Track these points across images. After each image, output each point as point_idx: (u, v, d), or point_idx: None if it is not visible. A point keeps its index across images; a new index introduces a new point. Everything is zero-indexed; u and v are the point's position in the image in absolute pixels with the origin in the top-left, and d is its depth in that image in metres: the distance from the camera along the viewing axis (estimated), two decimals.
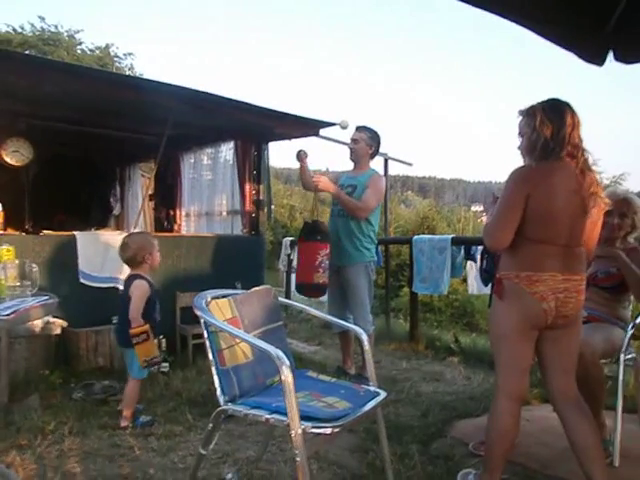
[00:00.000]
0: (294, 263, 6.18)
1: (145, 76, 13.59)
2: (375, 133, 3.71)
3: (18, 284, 1.91)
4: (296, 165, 3.73)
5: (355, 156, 3.71)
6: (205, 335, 1.80)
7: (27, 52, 12.30)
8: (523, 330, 1.91)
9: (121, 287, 3.89)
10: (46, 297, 1.89)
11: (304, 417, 1.53)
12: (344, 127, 4.04)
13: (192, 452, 2.36)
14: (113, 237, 4.05)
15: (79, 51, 16.98)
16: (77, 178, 6.71)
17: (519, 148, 2.01)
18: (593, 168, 1.93)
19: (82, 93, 3.66)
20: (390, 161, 6.40)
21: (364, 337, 2.03)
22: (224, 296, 1.97)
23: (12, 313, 1.63)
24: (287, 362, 1.54)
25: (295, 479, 1.60)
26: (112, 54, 17.72)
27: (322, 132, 4.73)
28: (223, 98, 3.94)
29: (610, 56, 2.43)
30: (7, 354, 2.95)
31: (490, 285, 4.19)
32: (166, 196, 6.12)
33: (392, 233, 10.08)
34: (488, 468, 1.96)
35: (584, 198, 1.86)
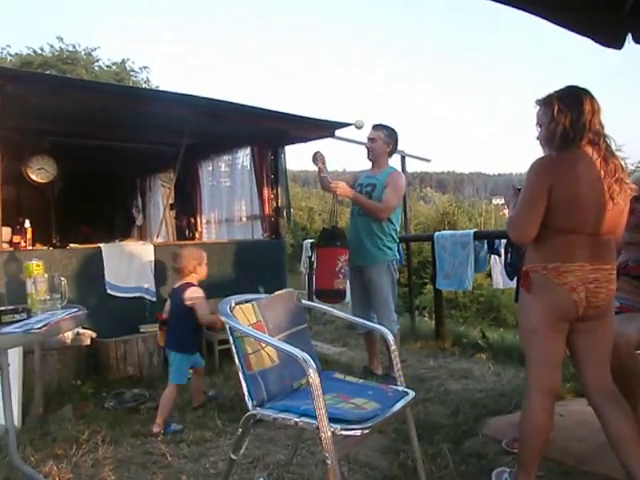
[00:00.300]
0: (315, 265, 6.19)
1: (160, 88, 13.80)
2: (392, 130, 3.70)
3: (48, 297, 1.94)
4: (313, 167, 3.73)
5: (373, 155, 3.69)
6: (231, 341, 1.81)
7: (47, 72, 12.58)
8: (553, 323, 1.87)
9: (147, 296, 3.98)
10: (75, 309, 1.92)
11: (333, 419, 1.53)
12: (359, 127, 4.03)
13: (223, 457, 2.38)
14: (137, 247, 4.12)
15: (96, 68, 17.31)
16: (100, 191, 6.85)
17: (538, 138, 1.98)
18: (617, 154, 1.89)
19: (101, 108, 3.74)
20: (408, 158, 6.36)
21: (389, 337, 2.02)
22: (248, 301, 1.98)
23: (44, 326, 1.66)
24: (314, 365, 1.54)
25: None
26: (128, 69, 18.02)
27: (337, 133, 4.74)
28: (237, 105, 3.98)
29: (629, 38, 2.38)
30: (41, 366, 3.03)
31: (516, 279, 4.14)
32: (186, 204, 6.20)
33: (413, 230, 10.00)
34: (523, 465, 1.92)
35: (609, 185, 1.82)
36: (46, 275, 2.00)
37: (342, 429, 1.52)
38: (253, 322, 1.93)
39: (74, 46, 16.90)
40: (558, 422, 1.96)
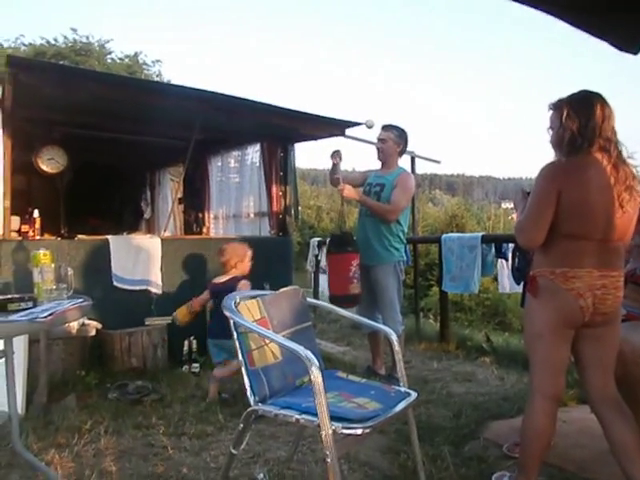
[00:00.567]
0: (322, 264, 6.18)
1: (172, 82, 13.83)
2: (402, 131, 3.69)
3: (54, 287, 1.96)
4: (322, 166, 3.75)
5: (383, 155, 3.69)
6: (234, 336, 1.81)
7: (60, 63, 12.65)
8: (559, 328, 1.86)
9: (153, 289, 3.99)
10: (81, 299, 1.93)
11: (334, 418, 1.53)
12: (370, 127, 4.02)
13: (224, 452, 2.39)
14: (144, 240, 4.13)
15: (109, 60, 17.40)
16: (109, 184, 6.91)
17: (550, 142, 1.97)
18: (628, 161, 1.87)
19: (113, 100, 3.75)
20: (417, 159, 6.35)
21: (394, 337, 2.01)
22: (252, 297, 1.99)
23: (49, 315, 1.67)
24: (316, 362, 1.54)
25: (326, 479, 1.59)
26: (140, 62, 18.09)
27: (348, 132, 4.73)
28: (248, 101, 3.98)
29: None
30: (46, 355, 3.05)
31: (522, 284, 4.12)
32: (195, 199, 6.22)
33: (420, 232, 9.98)
34: (523, 470, 1.91)
35: (619, 193, 1.80)
36: (53, 265, 2.02)
37: (343, 427, 1.52)
38: (257, 318, 1.93)
39: (87, 38, 17.00)
40: (560, 428, 1.95)
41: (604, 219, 1.80)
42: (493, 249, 4.48)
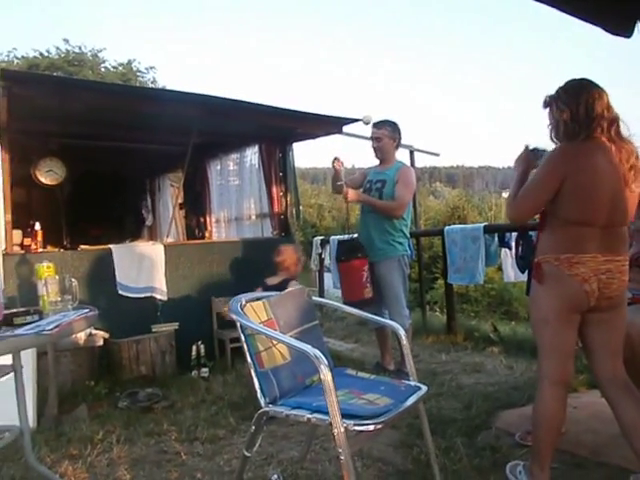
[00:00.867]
0: (326, 262, 6.18)
1: (167, 88, 13.83)
2: (394, 124, 3.68)
3: (59, 299, 1.96)
4: (322, 164, 3.75)
5: (381, 154, 3.68)
6: (242, 338, 1.81)
7: (54, 74, 12.66)
8: (565, 314, 1.86)
9: (158, 296, 4.00)
10: (87, 310, 1.93)
11: (346, 415, 1.52)
12: (367, 123, 4.02)
13: (237, 455, 2.39)
14: (147, 248, 4.14)
15: (103, 69, 17.43)
16: (109, 192, 6.90)
17: (550, 139, 1.97)
18: (631, 139, 1.86)
19: (108, 109, 3.76)
20: (416, 153, 6.33)
21: (401, 332, 2.01)
22: (258, 299, 1.99)
23: (56, 327, 1.67)
24: (325, 361, 1.54)
25: (340, 477, 1.59)
26: (134, 69, 18.11)
27: (345, 129, 4.72)
28: (244, 103, 3.98)
29: (639, 26, 2.35)
30: (54, 367, 3.06)
31: (527, 272, 4.10)
32: (196, 204, 6.22)
33: (423, 226, 9.98)
34: (536, 457, 1.91)
35: (624, 172, 1.80)
36: (57, 277, 2.02)
37: (355, 425, 1.52)
38: (264, 320, 1.93)
39: (80, 48, 17.05)
40: (571, 414, 1.95)
41: (609, 205, 1.80)
42: (496, 239, 4.47)
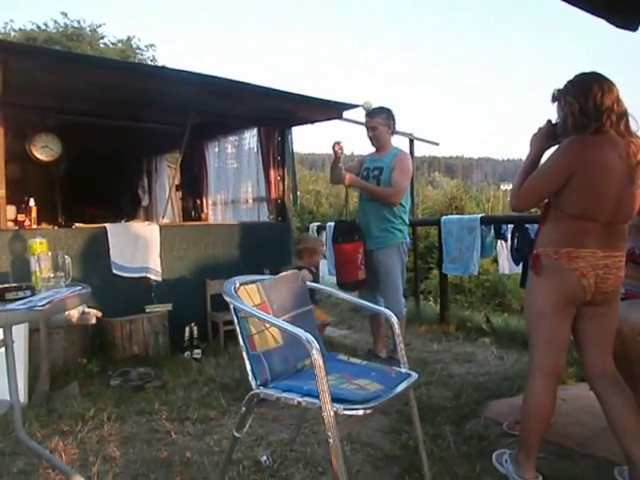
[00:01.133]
0: (323, 249, 6.18)
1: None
2: (387, 110, 3.67)
3: (52, 275, 1.94)
4: (320, 150, 3.74)
5: (377, 142, 3.67)
6: (235, 321, 1.81)
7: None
8: (561, 307, 1.87)
9: (152, 276, 3.99)
10: (80, 287, 1.92)
11: (336, 399, 1.53)
12: (367, 109, 3.98)
13: (227, 435, 2.41)
14: (142, 228, 4.12)
15: (102, 45, 17.20)
16: (106, 171, 6.84)
17: (559, 134, 1.94)
18: (639, 134, 1.85)
19: (107, 85, 3.71)
20: (416, 142, 6.29)
21: (394, 320, 2.01)
22: (252, 282, 1.98)
23: (48, 303, 1.66)
24: (317, 345, 1.54)
25: (329, 460, 1.60)
26: (134, 46, 17.88)
27: (345, 115, 4.69)
28: (244, 84, 3.93)
29: None
30: (47, 344, 3.06)
31: (522, 264, 4.12)
32: (192, 186, 6.18)
33: (420, 215, 9.97)
34: (524, 447, 1.93)
35: (631, 166, 1.78)
36: (50, 253, 2.00)
37: (345, 409, 1.53)
38: (257, 303, 1.93)
39: (79, 22, 16.81)
40: (559, 406, 1.97)
41: (614, 202, 1.79)
42: (492, 230, 4.48)
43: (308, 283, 2.23)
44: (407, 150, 5.86)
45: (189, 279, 4.25)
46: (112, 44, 17.44)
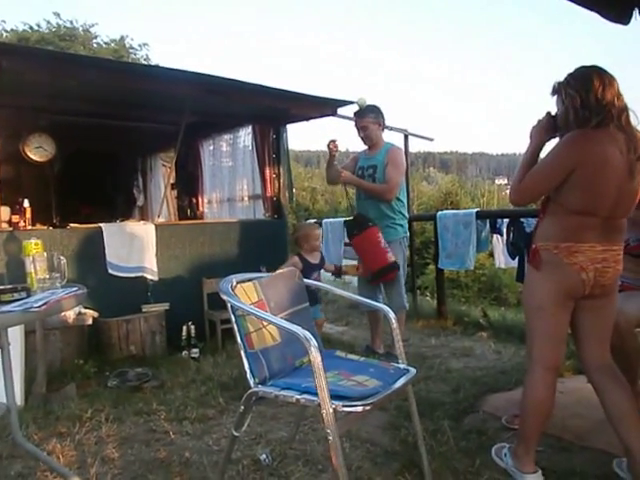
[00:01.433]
0: (318, 232, 6.16)
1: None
2: (375, 107, 3.68)
3: (47, 276, 1.93)
4: (315, 147, 3.74)
5: (369, 140, 3.69)
6: (232, 319, 1.80)
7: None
8: (560, 301, 1.87)
9: (149, 276, 3.98)
10: (75, 288, 1.91)
11: (334, 396, 1.53)
12: (362, 105, 3.97)
13: (226, 434, 2.40)
14: (138, 227, 4.10)
15: (95, 45, 17.11)
16: (100, 171, 6.81)
17: (559, 126, 1.93)
18: (638, 128, 1.84)
19: (100, 85, 3.68)
20: (411, 137, 6.28)
21: (392, 315, 2.01)
22: (249, 280, 1.97)
23: (43, 305, 1.65)
24: (315, 342, 1.53)
25: (328, 458, 1.60)
26: (127, 46, 17.79)
27: (340, 111, 4.68)
28: (238, 82, 3.91)
29: (636, 14, 2.34)
30: (43, 345, 3.05)
31: (517, 258, 4.13)
32: (188, 184, 6.16)
33: (415, 211, 9.98)
34: (523, 440, 1.94)
35: (631, 161, 1.77)
36: (45, 254, 1.99)
37: (343, 406, 1.52)
38: (254, 301, 1.92)
39: (71, 22, 16.71)
40: (558, 399, 1.97)
41: (614, 197, 1.78)
42: (488, 225, 4.48)
43: (306, 281, 2.23)
44: (402, 146, 5.86)
45: (185, 278, 4.24)
46: (105, 44, 17.36)
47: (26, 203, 3.88)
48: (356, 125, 3.69)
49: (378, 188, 3.52)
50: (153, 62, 17.94)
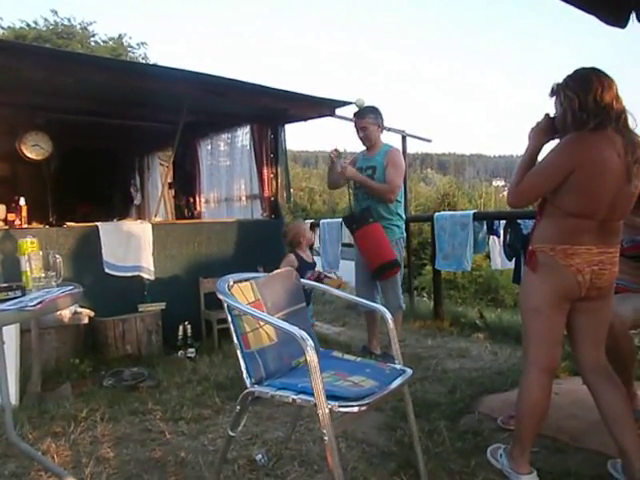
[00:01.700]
0: (315, 245, 6.17)
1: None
2: (374, 109, 3.68)
3: (43, 275, 1.92)
4: (313, 148, 3.75)
5: (368, 141, 3.68)
6: (229, 319, 1.80)
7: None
8: (556, 303, 1.87)
9: (145, 275, 3.97)
10: (71, 287, 1.91)
11: (330, 397, 1.52)
12: (360, 106, 3.98)
13: (221, 434, 2.40)
14: (135, 226, 4.09)
15: (93, 43, 17.07)
16: (98, 170, 6.79)
17: (557, 128, 1.93)
18: (636, 131, 1.84)
19: (98, 83, 3.67)
20: (409, 138, 6.28)
21: (388, 316, 2.01)
22: (246, 280, 1.97)
23: (39, 304, 1.64)
24: (311, 342, 1.53)
25: (324, 458, 1.60)
26: (125, 44, 17.76)
27: (338, 112, 4.68)
28: (236, 81, 3.91)
29: (633, 17, 2.35)
30: (38, 344, 3.03)
31: (514, 260, 4.13)
32: (185, 184, 6.15)
33: (413, 212, 10.00)
34: (518, 441, 1.94)
35: (629, 165, 1.76)
36: (41, 252, 1.99)
37: (339, 406, 1.52)
38: (251, 301, 1.92)
39: (69, 20, 16.67)
40: (553, 400, 1.97)
41: (611, 199, 1.78)
42: (485, 226, 4.49)
43: (303, 281, 2.22)
44: (399, 147, 5.86)
45: (182, 277, 4.24)
46: (103, 42, 17.32)
47: (22, 201, 3.87)
48: (356, 125, 3.69)
49: (381, 188, 3.52)
50: (151, 61, 17.91)
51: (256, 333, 1.86)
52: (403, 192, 3.80)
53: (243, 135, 5.25)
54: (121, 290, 3.85)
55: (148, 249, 4.01)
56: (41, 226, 3.95)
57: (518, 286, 2.88)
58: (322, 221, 6.07)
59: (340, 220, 5.31)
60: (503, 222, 4.33)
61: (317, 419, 1.50)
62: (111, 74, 3.59)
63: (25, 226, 3.79)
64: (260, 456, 2.16)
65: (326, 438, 1.48)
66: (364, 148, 3.77)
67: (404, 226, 3.76)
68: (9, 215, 3.82)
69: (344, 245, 5.63)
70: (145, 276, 3.98)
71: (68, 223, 3.92)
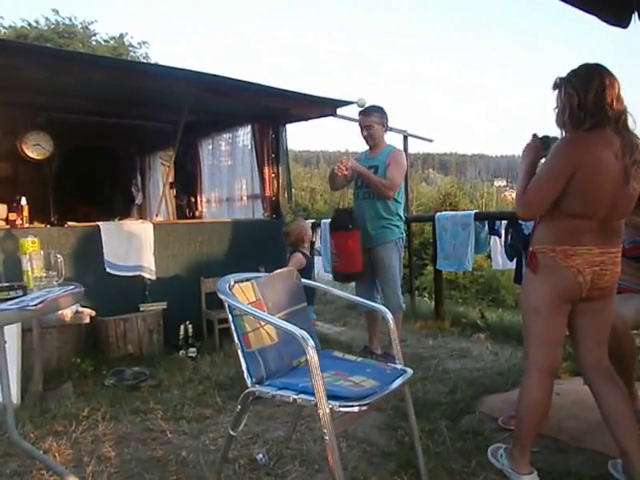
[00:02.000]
0: (317, 245, 6.17)
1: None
2: (380, 108, 3.67)
3: (44, 275, 1.93)
4: (315, 147, 3.75)
5: (372, 140, 3.67)
6: (230, 318, 1.80)
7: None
8: (557, 303, 1.87)
9: (146, 275, 3.97)
10: (72, 286, 1.91)
11: (331, 396, 1.53)
12: (361, 105, 3.98)
13: (222, 434, 2.40)
14: (136, 226, 4.10)
15: (94, 42, 17.09)
16: (99, 169, 6.79)
17: (555, 122, 1.92)
18: (635, 132, 1.83)
19: (100, 83, 3.67)
20: (410, 138, 6.28)
21: (389, 316, 2.01)
22: (247, 279, 1.97)
23: (40, 303, 1.65)
24: (312, 342, 1.53)
25: (325, 458, 1.60)
26: (126, 43, 17.77)
27: (339, 111, 4.68)
28: (238, 81, 3.92)
29: (635, 17, 2.34)
30: (40, 344, 3.03)
31: (515, 260, 4.13)
32: (187, 183, 6.16)
33: (414, 212, 9.99)
34: (519, 441, 1.94)
35: (626, 166, 1.75)
36: (42, 252, 1.99)
37: (340, 406, 1.52)
38: (252, 300, 1.92)
39: (70, 19, 16.68)
40: (554, 400, 1.97)
41: (611, 199, 1.77)
42: (486, 226, 4.49)
43: (304, 281, 2.22)
44: (401, 147, 5.86)
45: (183, 277, 4.24)
46: (104, 41, 17.33)
47: (23, 201, 3.87)
48: (360, 123, 3.67)
49: (381, 183, 3.50)
50: (153, 61, 17.91)
51: (257, 333, 1.86)
52: (403, 193, 3.79)
53: (244, 135, 5.25)
54: (122, 290, 3.85)
55: (149, 249, 4.02)
56: (42, 226, 3.96)
57: (519, 286, 2.88)
58: (323, 221, 6.07)
59: None
60: (504, 222, 4.32)
61: (318, 419, 1.50)
62: (112, 74, 3.59)
63: (26, 226, 3.79)
64: (261, 455, 2.16)
65: (327, 438, 1.48)
66: (366, 148, 3.76)
67: (404, 226, 3.76)
68: (10, 215, 3.82)
69: None
70: (146, 276, 3.98)
71: (69, 223, 3.93)
